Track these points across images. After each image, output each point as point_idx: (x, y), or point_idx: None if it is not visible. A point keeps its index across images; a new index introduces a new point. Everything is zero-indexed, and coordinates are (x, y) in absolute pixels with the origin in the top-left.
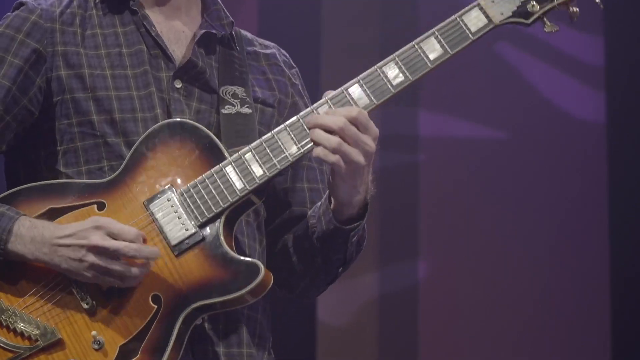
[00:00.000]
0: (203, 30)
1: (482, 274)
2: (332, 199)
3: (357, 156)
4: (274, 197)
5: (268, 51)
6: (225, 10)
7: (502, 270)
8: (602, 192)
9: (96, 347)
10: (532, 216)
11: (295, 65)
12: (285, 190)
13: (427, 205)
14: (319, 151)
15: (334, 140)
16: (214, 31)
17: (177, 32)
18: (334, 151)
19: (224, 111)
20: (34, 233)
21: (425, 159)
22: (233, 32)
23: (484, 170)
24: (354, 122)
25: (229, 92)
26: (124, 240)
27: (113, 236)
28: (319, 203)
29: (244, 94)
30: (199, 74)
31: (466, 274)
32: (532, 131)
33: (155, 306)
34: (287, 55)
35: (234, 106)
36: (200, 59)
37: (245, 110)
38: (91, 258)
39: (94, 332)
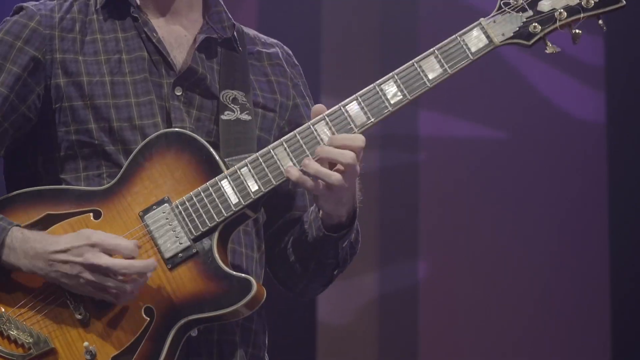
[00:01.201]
0: (204, 36)
1: (482, 274)
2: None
3: (342, 182)
4: (275, 200)
5: (271, 50)
6: (227, 12)
7: (502, 270)
8: (602, 192)
9: (88, 357)
10: (532, 216)
11: (297, 64)
12: (287, 194)
13: (427, 205)
14: (296, 176)
15: (336, 177)
16: (214, 36)
17: (179, 37)
18: (317, 177)
19: (224, 117)
20: (26, 247)
21: (425, 159)
22: (235, 33)
23: (484, 170)
24: (358, 152)
25: (229, 97)
26: (119, 255)
27: (108, 252)
28: (311, 209)
29: (244, 99)
30: (199, 81)
31: (466, 274)
32: (532, 131)
33: (148, 319)
34: (290, 52)
35: (234, 112)
36: (201, 64)
37: (245, 117)
38: (87, 275)
39: (86, 343)
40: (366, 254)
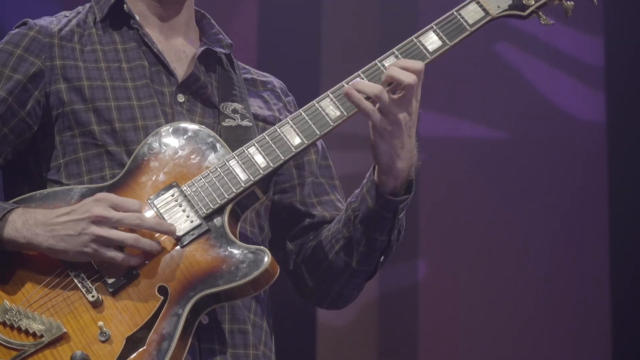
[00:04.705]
0: (204, 47)
1: (481, 274)
2: (375, 170)
3: (398, 110)
4: (285, 213)
5: (265, 79)
6: (224, 33)
7: (502, 270)
8: (602, 192)
9: (102, 339)
10: (532, 216)
11: (291, 94)
12: (296, 204)
13: (427, 205)
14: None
15: (376, 87)
16: (214, 49)
17: (178, 52)
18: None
19: (225, 124)
20: (26, 217)
21: (425, 158)
22: (232, 56)
23: (484, 170)
24: (418, 75)
25: (229, 108)
26: (126, 211)
27: (115, 207)
28: (356, 192)
29: (243, 110)
30: (201, 89)
31: (466, 273)
32: (532, 131)
33: (162, 297)
34: (284, 85)
35: (235, 120)
36: (202, 74)
37: (246, 123)
38: (93, 229)
39: (100, 324)
40: None
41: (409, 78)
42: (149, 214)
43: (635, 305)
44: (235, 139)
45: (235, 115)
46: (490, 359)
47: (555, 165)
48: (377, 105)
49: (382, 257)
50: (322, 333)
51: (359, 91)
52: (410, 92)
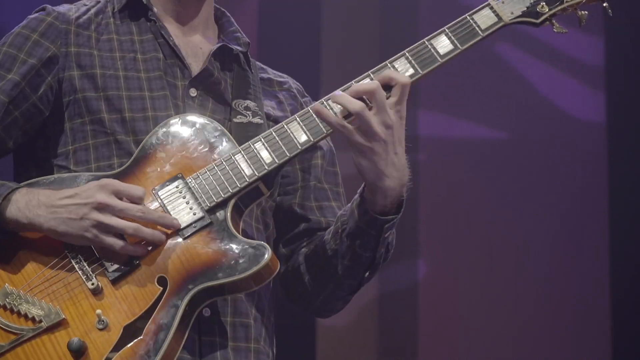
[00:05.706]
0: (220, 44)
1: (481, 274)
2: (365, 189)
3: (376, 126)
4: (283, 214)
5: (281, 79)
6: (242, 32)
7: (502, 270)
8: (602, 192)
9: (100, 326)
10: (532, 216)
11: (307, 95)
12: (294, 206)
13: (426, 205)
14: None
15: (357, 104)
16: (230, 45)
17: (194, 48)
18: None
19: (236, 120)
20: (29, 197)
21: (425, 159)
22: (249, 55)
23: (484, 170)
24: (401, 89)
25: (241, 105)
26: (130, 199)
27: (119, 194)
28: (347, 206)
29: (256, 108)
30: (214, 84)
31: (465, 273)
32: (532, 131)
33: (161, 288)
34: (301, 86)
35: (246, 117)
36: (216, 71)
37: (257, 120)
38: (94, 215)
39: (98, 312)
40: None
41: (371, 85)
42: (153, 205)
43: (635, 305)
44: (245, 135)
45: (247, 112)
46: (490, 359)
47: (555, 165)
48: (356, 121)
49: (367, 273)
50: (322, 333)
51: (341, 104)
52: (382, 103)
